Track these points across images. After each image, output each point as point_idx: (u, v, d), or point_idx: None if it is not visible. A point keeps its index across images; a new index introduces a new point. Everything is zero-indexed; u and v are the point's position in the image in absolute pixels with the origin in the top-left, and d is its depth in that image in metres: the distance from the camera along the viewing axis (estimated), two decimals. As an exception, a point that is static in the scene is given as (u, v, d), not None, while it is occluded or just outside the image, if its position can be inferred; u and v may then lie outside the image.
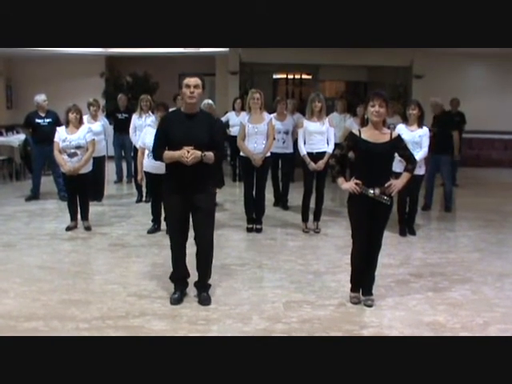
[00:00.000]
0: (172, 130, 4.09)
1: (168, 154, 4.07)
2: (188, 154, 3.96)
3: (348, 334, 3.77)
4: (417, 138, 6.17)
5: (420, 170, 6.27)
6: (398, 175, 4.34)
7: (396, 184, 4.15)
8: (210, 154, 4.05)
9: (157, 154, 4.17)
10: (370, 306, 4.26)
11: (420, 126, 6.25)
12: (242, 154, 6.44)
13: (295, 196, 7.71)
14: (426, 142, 6.22)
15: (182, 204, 4.12)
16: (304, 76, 14.75)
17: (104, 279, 4.81)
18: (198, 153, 3.99)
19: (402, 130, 6.14)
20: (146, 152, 6.08)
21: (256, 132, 6.24)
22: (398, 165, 5.05)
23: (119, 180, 9.76)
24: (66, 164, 6.18)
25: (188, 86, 4.03)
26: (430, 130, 6.44)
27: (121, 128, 9.05)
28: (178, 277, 4.35)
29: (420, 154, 6.15)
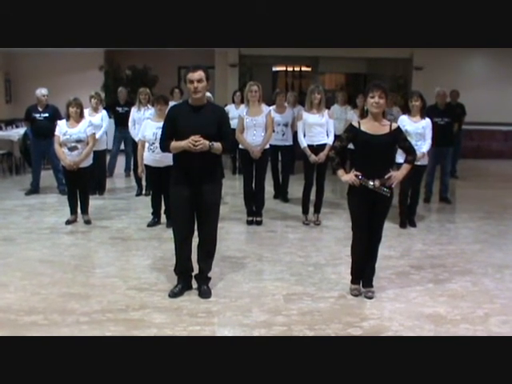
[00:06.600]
0: (179, 122, 4.09)
1: (175, 144, 4.09)
2: (195, 142, 3.95)
3: (348, 326, 3.77)
4: (420, 128, 6.16)
5: (423, 161, 6.26)
6: (400, 166, 4.33)
7: (396, 176, 4.13)
8: (218, 144, 4.06)
9: (164, 145, 4.20)
10: (371, 297, 4.26)
11: (422, 117, 6.24)
12: (241, 146, 6.43)
13: (295, 188, 7.69)
14: (429, 134, 6.20)
15: (189, 195, 4.11)
16: (304, 68, 14.69)
17: (104, 272, 4.81)
18: (206, 142, 3.99)
19: (405, 121, 6.14)
20: (146, 145, 6.07)
21: (254, 124, 6.22)
22: (401, 156, 5.03)
23: (110, 174, 9.58)
24: (66, 158, 6.16)
25: (191, 82, 4.01)
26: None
27: (122, 122, 8.96)
28: (181, 271, 4.33)
29: (425, 146, 6.15)
